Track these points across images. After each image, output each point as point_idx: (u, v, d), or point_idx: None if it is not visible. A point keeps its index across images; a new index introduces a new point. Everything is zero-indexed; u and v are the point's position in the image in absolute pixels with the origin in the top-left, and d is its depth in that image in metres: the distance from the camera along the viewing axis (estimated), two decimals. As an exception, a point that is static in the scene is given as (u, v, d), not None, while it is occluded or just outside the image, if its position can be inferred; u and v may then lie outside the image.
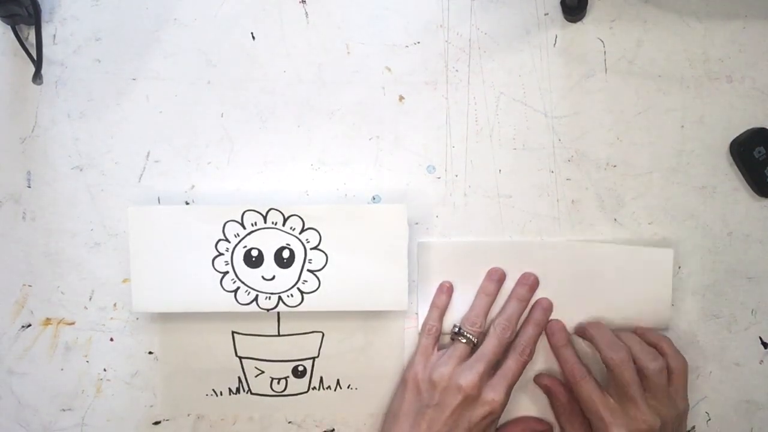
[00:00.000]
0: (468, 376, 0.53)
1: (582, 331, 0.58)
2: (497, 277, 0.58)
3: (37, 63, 0.56)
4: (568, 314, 0.59)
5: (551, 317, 0.59)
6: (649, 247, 0.59)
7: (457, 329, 0.57)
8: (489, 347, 0.55)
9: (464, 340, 0.56)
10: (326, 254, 0.57)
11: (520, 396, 0.60)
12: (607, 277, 0.59)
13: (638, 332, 0.58)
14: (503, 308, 0.58)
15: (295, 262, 0.57)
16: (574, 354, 0.57)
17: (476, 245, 0.59)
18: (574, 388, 0.56)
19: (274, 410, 0.61)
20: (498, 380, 0.55)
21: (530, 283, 0.58)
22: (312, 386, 0.60)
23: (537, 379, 0.59)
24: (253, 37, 0.59)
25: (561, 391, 0.58)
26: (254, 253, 0.57)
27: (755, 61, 0.59)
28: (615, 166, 0.59)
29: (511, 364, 0.56)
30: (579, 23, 0.59)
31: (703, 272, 0.60)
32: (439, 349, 0.58)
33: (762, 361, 0.60)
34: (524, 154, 0.59)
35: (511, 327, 0.57)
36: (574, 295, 0.59)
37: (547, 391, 0.59)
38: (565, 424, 0.58)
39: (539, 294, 0.59)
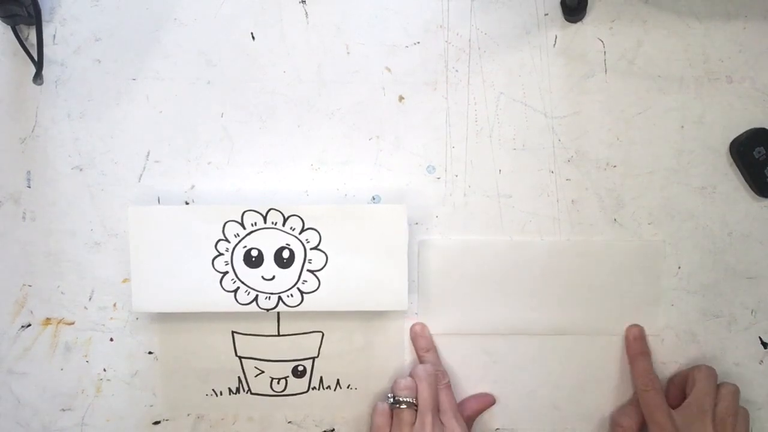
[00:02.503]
0: None
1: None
2: (420, 333, 0.60)
3: (38, 63, 0.56)
4: (567, 314, 0.59)
5: (630, 323, 0.60)
6: (642, 242, 0.59)
7: (392, 399, 0.56)
8: (425, 397, 0.55)
9: (404, 406, 0.55)
10: (326, 254, 0.57)
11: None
12: (605, 277, 0.59)
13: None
14: (417, 368, 0.58)
15: (295, 262, 0.57)
16: (651, 364, 0.58)
17: (476, 245, 0.59)
18: (643, 395, 0.57)
19: (274, 410, 0.61)
20: (445, 418, 0.56)
21: (424, 334, 0.60)
22: (312, 386, 0.60)
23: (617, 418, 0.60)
24: (253, 37, 0.59)
25: None
26: (254, 253, 0.57)
27: (755, 61, 0.59)
28: (615, 166, 0.59)
29: (443, 396, 0.57)
30: (579, 23, 0.59)
31: (703, 272, 0.60)
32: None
33: (762, 361, 0.60)
34: (524, 154, 0.59)
35: (432, 370, 0.57)
36: (573, 295, 0.59)
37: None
38: None
39: (539, 294, 0.59)
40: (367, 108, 0.59)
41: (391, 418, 0.56)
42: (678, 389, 0.59)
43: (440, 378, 0.58)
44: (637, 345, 0.59)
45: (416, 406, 0.55)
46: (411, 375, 0.58)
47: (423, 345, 0.59)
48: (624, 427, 0.58)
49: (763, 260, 0.60)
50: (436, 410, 0.56)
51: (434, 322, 0.60)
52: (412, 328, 0.60)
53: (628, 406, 0.59)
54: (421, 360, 0.59)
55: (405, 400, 0.55)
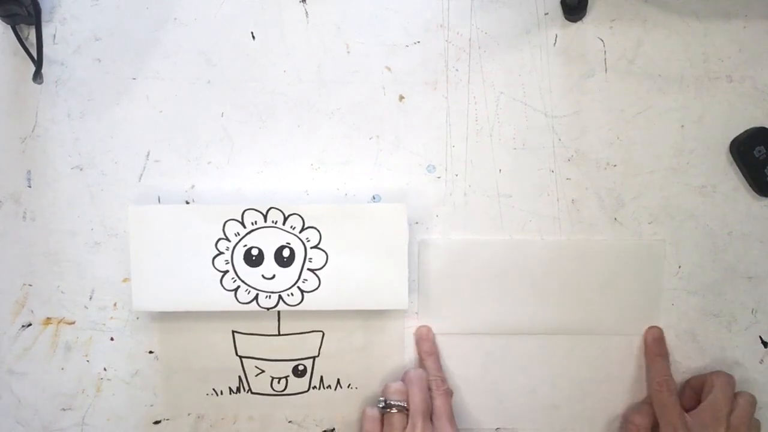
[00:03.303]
0: None
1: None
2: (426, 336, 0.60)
3: (38, 63, 0.56)
4: (567, 314, 0.59)
5: (650, 325, 0.60)
6: (642, 242, 0.59)
7: (383, 403, 0.56)
8: (416, 401, 0.55)
9: (395, 410, 0.55)
10: (326, 253, 0.57)
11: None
12: (605, 277, 0.59)
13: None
14: (408, 372, 0.58)
15: (295, 261, 0.57)
16: (668, 365, 0.58)
17: (476, 244, 0.59)
18: (658, 396, 0.57)
19: (275, 409, 0.61)
20: (438, 423, 0.55)
21: (429, 338, 0.59)
22: (312, 385, 0.60)
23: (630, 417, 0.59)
24: (253, 37, 0.59)
25: None
26: (254, 252, 0.57)
27: (755, 61, 0.59)
28: (615, 166, 0.59)
29: (438, 402, 0.56)
30: (579, 23, 0.59)
31: (703, 272, 0.60)
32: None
33: (762, 360, 0.60)
34: (524, 154, 0.59)
35: (423, 374, 0.57)
36: (573, 295, 0.59)
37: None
38: None
39: (539, 294, 0.59)
40: (367, 108, 0.59)
41: (382, 423, 0.56)
42: (694, 392, 0.59)
43: (439, 384, 0.57)
44: (655, 346, 0.59)
45: (407, 410, 0.55)
46: (403, 379, 0.58)
47: (426, 349, 0.59)
48: (637, 425, 0.57)
49: (763, 260, 0.60)
50: (428, 414, 0.55)
51: (434, 322, 0.60)
52: (417, 331, 0.60)
53: (642, 404, 0.59)
54: (422, 364, 0.59)
55: (396, 404, 0.55)
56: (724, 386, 0.56)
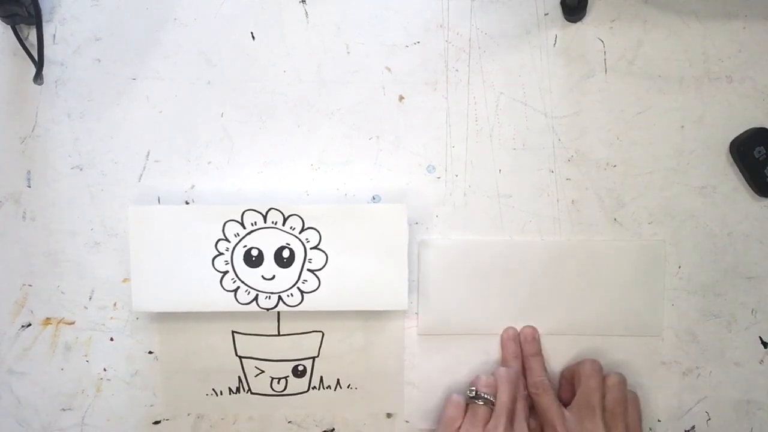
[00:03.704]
0: None
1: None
2: (512, 337, 0.60)
3: (38, 63, 0.56)
4: (567, 314, 0.59)
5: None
6: (643, 241, 0.59)
7: (473, 393, 0.56)
8: (504, 399, 0.55)
9: (482, 402, 0.56)
10: (326, 254, 0.57)
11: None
12: (605, 277, 0.59)
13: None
14: (500, 370, 0.58)
15: (295, 262, 0.57)
16: (542, 365, 0.58)
17: (476, 245, 0.59)
18: (536, 398, 0.57)
19: (274, 410, 0.61)
20: (518, 426, 0.55)
21: (535, 338, 0.59)
22: (312, 386, 0.60)
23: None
24: (253, 37, 0.59)
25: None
26: (254, 252, 0.57)
27: (755, 61, 0.59)
28: (615, 166, 0.59)
29: (520, 405, 0.56)
30: (579, 23, 0.59)
31: (703, 272, 0.60)
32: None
33: (762, 360, 0.60)
34: (524, 154, 0.59)
35: (515, 375, 0.57)
36: (573, 295, 0.59)
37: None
38: None
39: (539, 294, 0.59)
40: (367, 108, 0.59)
41: (465, 412, 0.56)
42: (570, 384, 0.59)
43: (522, 387, 0.57)
44: (528, 346, 0.59)
45: (493, 404, 0.55)
46: (493, 374, 0.57)
47: (532, 351, 0.59)
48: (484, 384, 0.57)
49: (763, 260, 0.60)
50: (512, 414, 0.55)
51: (434, 322, 0.60)
52: (522, 331, 0.59)
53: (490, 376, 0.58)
54: (526, 364, 0.59)
55: (485, 396, 0.55)
56: (591, 373, 0.56)
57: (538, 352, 0.59)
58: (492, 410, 0.55)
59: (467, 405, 0.56)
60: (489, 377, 0.57)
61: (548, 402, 0.56)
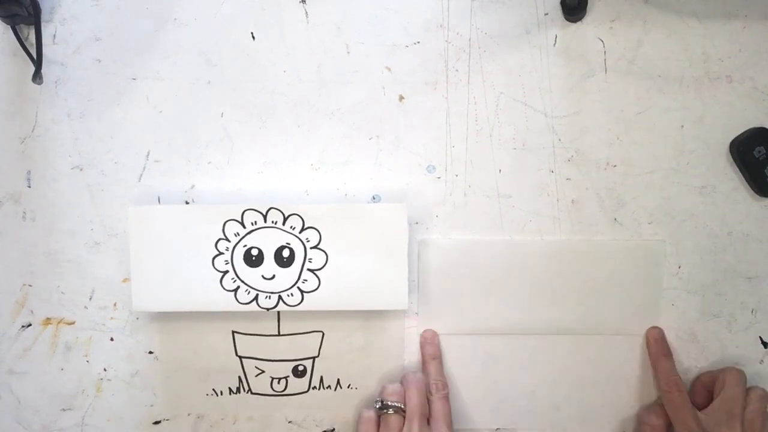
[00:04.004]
0: None
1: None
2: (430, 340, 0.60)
3: (37, 63, 0.56)
4: (567, 314, 0.59)
5: (651, 325, 0.60)
6: (643, 241, 0.59)
7: (380, 404, 0.56)
8: (413, 403, 0.55)
9: (392, 411, 0.55)
10: (326, 253, 0.57)
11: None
12: (605, 277, 0.59)
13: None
14: (408, 375, 0.58)
15: (295, 262, 0.57)
16: (673, 366, 0.58)
17: (476, 245, 0.59)
18: (666, 396, 0.57)
19: (275, 410, 0.61)
20: (436, 426, 0.55)
21: (434, 341, 0.59)
22: (312, 386, 0.60)
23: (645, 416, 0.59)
24: (253, 37, 0.59)
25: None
26: (254, 252, 0.57)
27: (755, 61, 0.59)
28: (615, 166, 0.59)
29: (437, 405, 0.56)
30: (579, 23, 0.59)
31: (703, 272, 0.60)
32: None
33: (762, 361, 0.60)
34: (524, 154, 0.59)
35: (422, 377, 0.57)
36: (573, 295, 0.59)
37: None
38: None
39: (539, 294, 0.59)
40: (367, 108, 0.59)
41: (378, 425, 0.56)
42: (705, 389, 0.59)
43: (439, 388, 0.57)
44: (658, 347, 0.59)
45: (404, 411, 0.55)
46: (401, 381, 0.58)
47: (430, 352, 0.59)
48: (652, 426, 0.57)
49: (763, 260, 0.60)
50: (425, 417, 0.55)
51: (434, 322, 0.60)
52: (422, 334, 0.60)
53: (655, 405, 0.59)
54: (424, 367, 0.59)
55: (393, 405, 0.55)
56: (736, 382, 0.56)
57: (668, 353, 0.59)
58: (404, 417, 0.55)
59: (379, 417, 0.56)
60: (395, 385, 0.57)
61: (682, 402, 0.56)
